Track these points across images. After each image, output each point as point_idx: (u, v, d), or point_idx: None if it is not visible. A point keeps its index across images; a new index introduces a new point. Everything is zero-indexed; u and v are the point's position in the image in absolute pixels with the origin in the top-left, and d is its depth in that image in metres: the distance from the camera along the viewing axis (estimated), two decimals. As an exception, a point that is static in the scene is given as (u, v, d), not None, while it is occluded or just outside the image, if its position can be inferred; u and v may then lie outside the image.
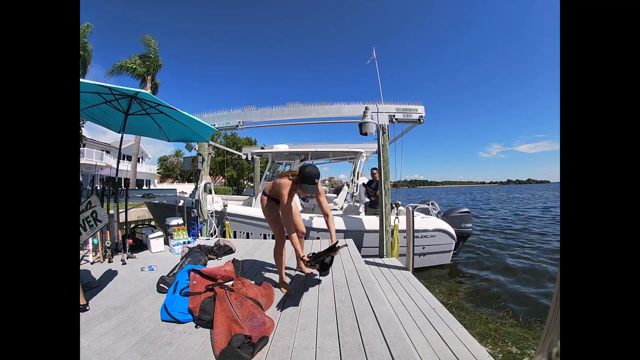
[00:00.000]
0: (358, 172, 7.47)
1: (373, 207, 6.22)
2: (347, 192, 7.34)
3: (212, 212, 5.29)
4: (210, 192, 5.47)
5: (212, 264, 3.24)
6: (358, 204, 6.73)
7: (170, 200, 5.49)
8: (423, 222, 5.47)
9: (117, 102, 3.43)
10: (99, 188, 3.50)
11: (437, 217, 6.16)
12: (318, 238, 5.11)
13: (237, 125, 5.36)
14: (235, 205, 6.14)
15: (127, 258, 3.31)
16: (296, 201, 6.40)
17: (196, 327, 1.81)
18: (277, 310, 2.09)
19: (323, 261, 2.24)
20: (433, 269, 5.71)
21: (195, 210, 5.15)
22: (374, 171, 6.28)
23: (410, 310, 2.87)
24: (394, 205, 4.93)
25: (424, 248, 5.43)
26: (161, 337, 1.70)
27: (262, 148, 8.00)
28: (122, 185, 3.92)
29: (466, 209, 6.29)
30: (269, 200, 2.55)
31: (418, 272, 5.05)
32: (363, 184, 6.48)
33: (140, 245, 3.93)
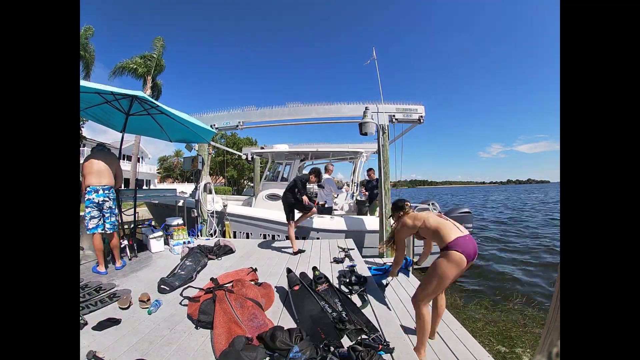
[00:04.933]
0: (358, 172, 7.48)
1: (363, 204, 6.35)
2: (348, 192, 7.34)
3: (212, 212, 5.29)
4: (210, 192, 5.48)
5: (212, 264, 3.25)
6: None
7: (170, 200, 5.49)
8: None
9: (118, 102, 3.43)
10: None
11: None
12: (318, 238, 5.11)
13: (237, 125, 5.36)
14: (235, 205, 6.14)
15: (129, 259, 3.32)
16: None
17: (196, 328, 1.80)
18: (277, 310, 2.09)
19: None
20: None
21: (196, 210, 5.15)
22: (370, 173, 6.34)
23: (410, 310, 2.86)
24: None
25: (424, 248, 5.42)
26: (161, 337, 1.70)
27: (262, 148, 8.01)
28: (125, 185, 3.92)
29: (467, 209, 6.29)
30: None
31: (418, 272, 5.05)
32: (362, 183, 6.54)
33: (140, 245, 3.93)
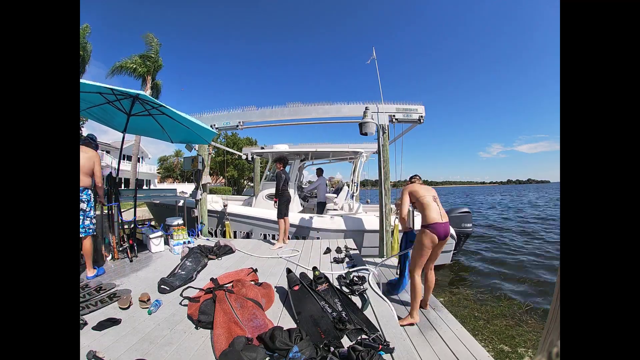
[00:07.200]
0: (358, 172, 7.48)
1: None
2: (348, 192, 7.34)
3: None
4: (204, 191, 5.50)
5: (213, 264, 3.25)
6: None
7: (171, 200, 5.49)
8: None
9: (119, 103, 3.43)
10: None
11: None
12: (318, 238, 5.11)
13: (237, 125, 5.37)
14: (235, 205, 6.14)
15: (130, 260, 3.32)
16: (297, 201, 6.42)
17: (196, 328, 1.81)
18: (277, 310, 2.09)
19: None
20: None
21: (195, 210, 5.16)
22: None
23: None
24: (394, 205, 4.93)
25: None
26: (161, 337, 1.70)
27: (262, 148, 8.00)
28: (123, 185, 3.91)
29: (466, 209, 6.29)
30: None
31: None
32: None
33: (140, 245, 3.93)
